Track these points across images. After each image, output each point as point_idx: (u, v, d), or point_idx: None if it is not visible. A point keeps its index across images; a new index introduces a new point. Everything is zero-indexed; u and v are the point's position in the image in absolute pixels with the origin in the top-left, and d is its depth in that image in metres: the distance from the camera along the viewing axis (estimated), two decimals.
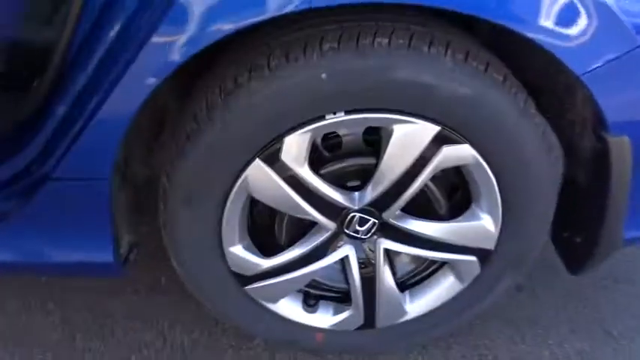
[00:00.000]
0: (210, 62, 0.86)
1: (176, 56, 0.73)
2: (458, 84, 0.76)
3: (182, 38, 0.72)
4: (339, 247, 0.93)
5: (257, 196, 0.85)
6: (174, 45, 0.73)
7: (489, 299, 1.02)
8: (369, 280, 0.96)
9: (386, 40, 0.73)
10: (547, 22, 0.72)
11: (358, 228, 0.89)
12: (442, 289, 0.99)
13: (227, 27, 0.71)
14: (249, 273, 0.93)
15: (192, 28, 0.72)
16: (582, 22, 0.73)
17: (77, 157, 0.82)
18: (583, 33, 0.73)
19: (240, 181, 0.82)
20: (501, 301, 1.08)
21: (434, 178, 0.88)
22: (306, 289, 1.02)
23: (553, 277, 1.24)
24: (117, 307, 1.19)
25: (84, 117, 0.79)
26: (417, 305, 1.01)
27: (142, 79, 0.75)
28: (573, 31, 0.73)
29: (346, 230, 0.89)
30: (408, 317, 1.01)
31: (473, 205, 0.90)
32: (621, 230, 0.92)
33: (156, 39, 0.73)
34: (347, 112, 0.78)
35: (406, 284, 1.02)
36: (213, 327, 1.16)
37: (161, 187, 0.89)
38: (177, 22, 0.72)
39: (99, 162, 0.83)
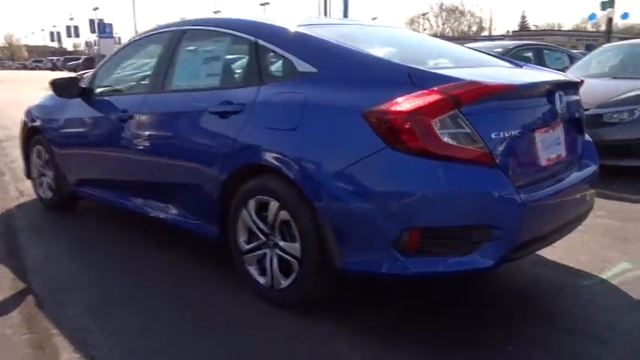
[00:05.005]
0: None
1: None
2: (286, 194, 2.48)
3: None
4: (265, 249, 2.67)
5: (245, 220, 2.72)
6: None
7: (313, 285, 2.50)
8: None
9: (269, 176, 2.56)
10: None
11: (275, 240, 2.61)
12: (294, 274, 2.53)
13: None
14: (244, 250, 2.77)
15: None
16: None
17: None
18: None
19: (240, 212, 2.72)
20: None
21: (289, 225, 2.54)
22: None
23: None
24: None
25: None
26: (287, 280, 2.57)
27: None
28: None
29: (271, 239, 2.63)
30: (283, 285, 2.58)
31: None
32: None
33: None
34: (259, 196, 2.60)
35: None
36: None
37: None
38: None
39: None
